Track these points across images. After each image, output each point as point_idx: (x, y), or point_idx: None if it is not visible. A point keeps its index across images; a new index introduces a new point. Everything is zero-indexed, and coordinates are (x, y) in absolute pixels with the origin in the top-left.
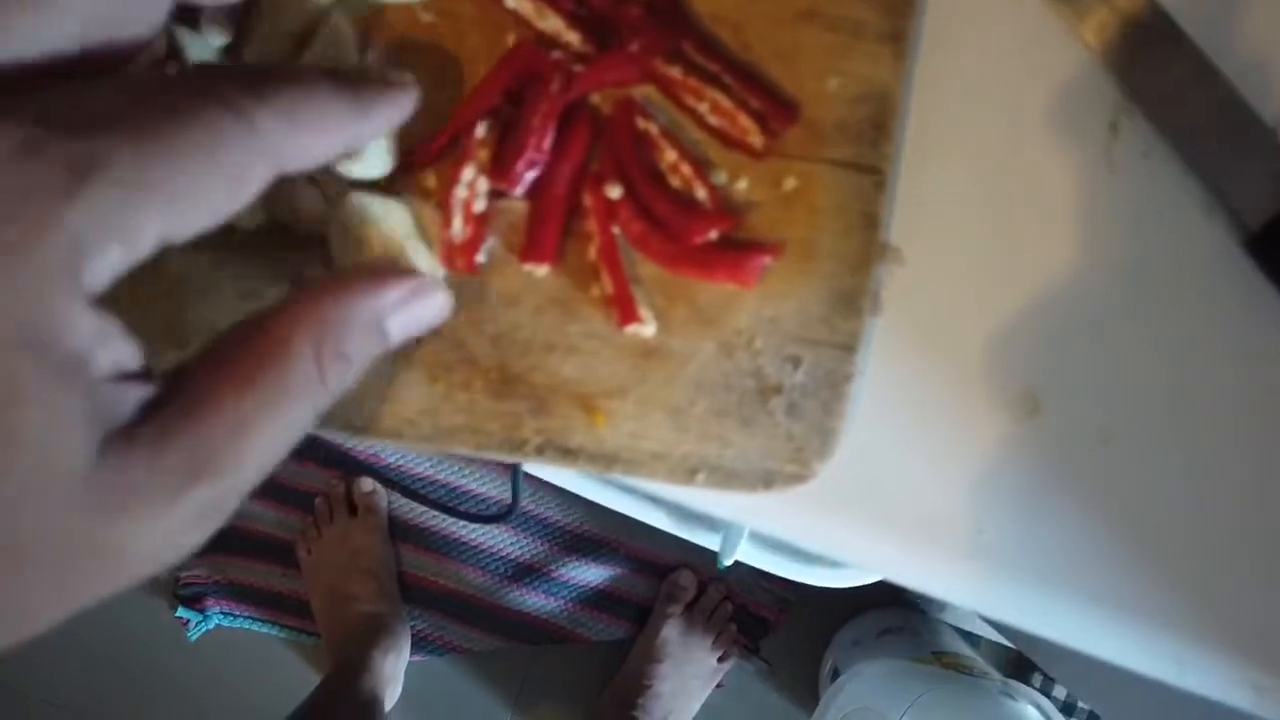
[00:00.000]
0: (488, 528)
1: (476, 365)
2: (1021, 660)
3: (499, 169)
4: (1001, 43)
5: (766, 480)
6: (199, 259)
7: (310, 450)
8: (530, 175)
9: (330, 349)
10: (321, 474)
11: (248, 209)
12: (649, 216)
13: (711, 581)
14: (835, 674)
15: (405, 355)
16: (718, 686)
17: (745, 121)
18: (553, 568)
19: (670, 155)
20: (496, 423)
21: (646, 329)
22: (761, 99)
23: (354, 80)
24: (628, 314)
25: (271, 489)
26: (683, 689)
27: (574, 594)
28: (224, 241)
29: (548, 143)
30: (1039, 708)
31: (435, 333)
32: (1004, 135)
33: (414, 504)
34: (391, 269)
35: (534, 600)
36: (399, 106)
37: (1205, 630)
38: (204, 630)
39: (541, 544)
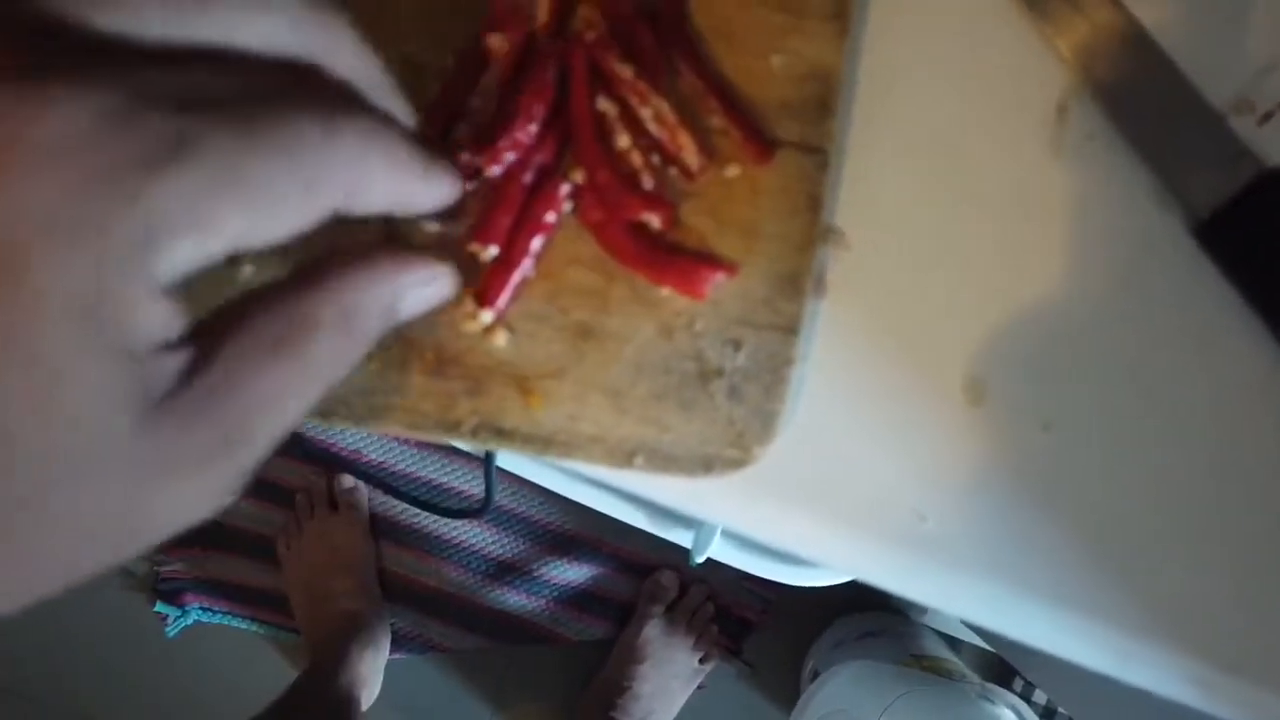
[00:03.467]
0: (469, 525)
1: (413, 345)
2: (1004, 665)
3: (486, 144)
4: (949, 24)
5: (706, 464)
6: None
7: (292, 445)
8: (510, 156)
9: (351, 331)
10: (303, 469)
11: None
12: (603, 198)
13: (694, 582)
14: (816, 676)
15: None
16: (699, 688)
17: (685, 139)
18: (534, 566)
19: (623, 140)
20: (431, 403)
21: (483, 316)
22: (744, 128)
23: (421, 144)
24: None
25: (252, 484)
26: (663, 690)
27: (555, 593)
28: None
29: (533, 129)
30: (1016, 711)
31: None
32: (951, 119)
33: (395, 500)
34: (406, 250)
35: (515, 599)
36: (450, 189)
37: (1150, 624)
38: (183, 626)
39: (523, 542)
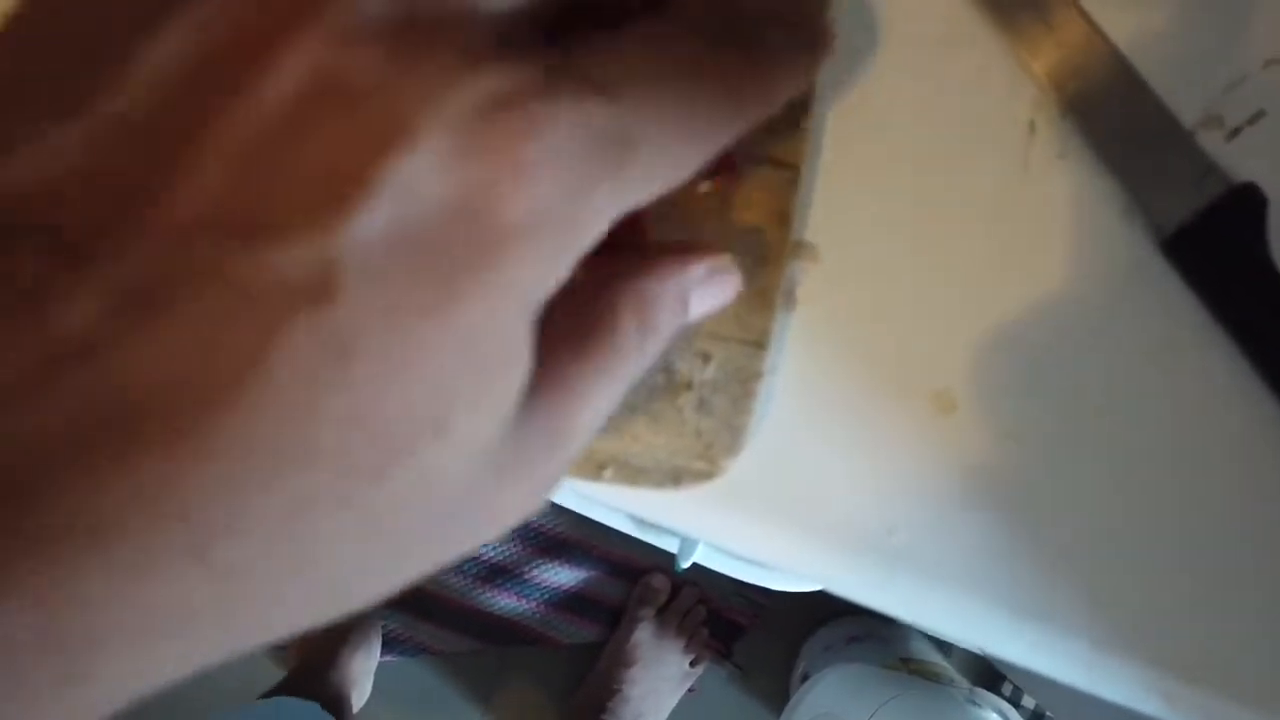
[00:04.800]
0: None
1: None
2: (993, 669)
3: None
4: (920, 41)
5: (674, 477)
6: None
7: None
8: None
9: (649, 321)
10: None
11: None
12: None
13: (684, 585)
14: (807, 679)
15: None
16: (689, 691)
17: None
18: (525, 569)
19: None
20: None
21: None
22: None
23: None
24: None
25: None
26: (653, 692)
27: (546, 595)
28: None
29: None
30: (1003, 715)
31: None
32: (923, 135)
33: None
34: (694, 248)
35: (506, 601)
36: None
37: (1115, 637)
38: None
39: (514, 545)
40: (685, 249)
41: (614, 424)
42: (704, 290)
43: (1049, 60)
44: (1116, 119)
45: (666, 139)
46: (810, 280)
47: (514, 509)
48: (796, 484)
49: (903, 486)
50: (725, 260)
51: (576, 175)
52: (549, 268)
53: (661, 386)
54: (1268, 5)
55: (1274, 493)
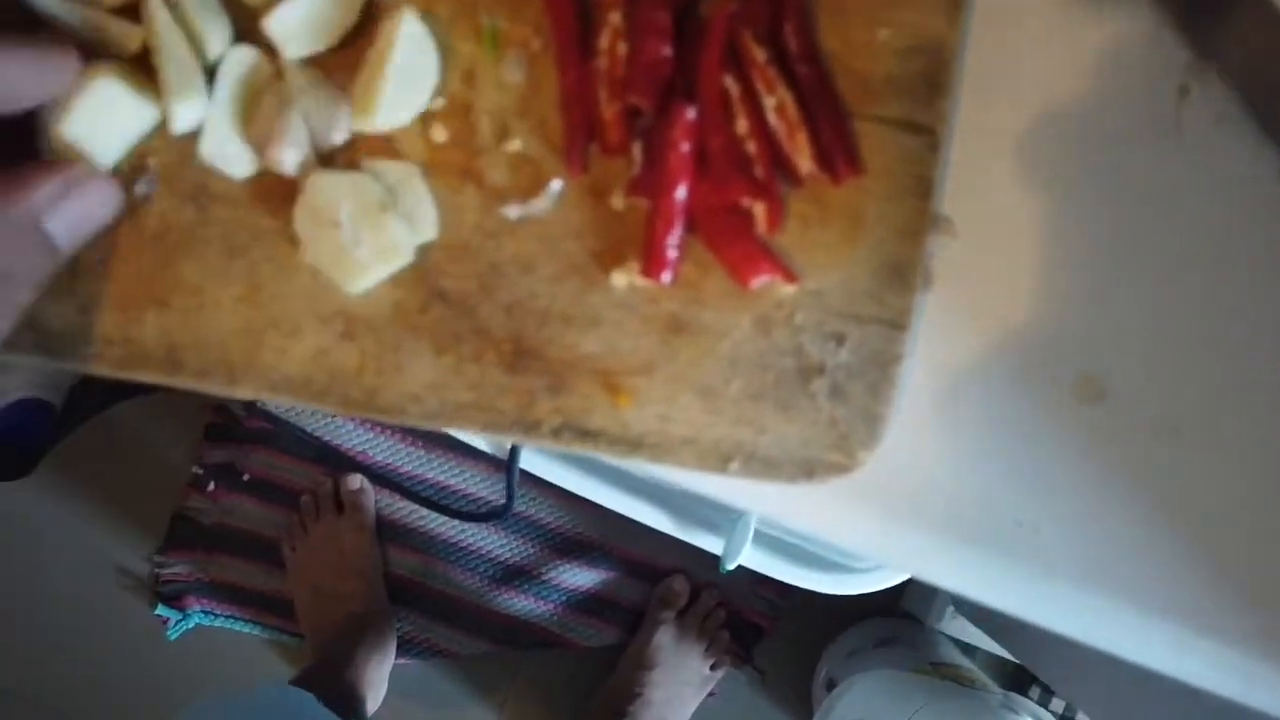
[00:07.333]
0: (476, 529)
1: (488, 336)
2: (1019, 671)
3: (631, 84)
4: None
5: (807, 469)
6: (183, 212)
7: (302, 446)
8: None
9: None
10: (308, 470)
11: (236, 157)
12: (713, 168)
13: (705, 587)
14: (830, 684)
15: (409, 323)
16: (709, 695)
17: (802, 140)
18: (543, 571)
19: (741, 125)
20: (509, 400)
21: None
22: (837, 137)
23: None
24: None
25: (256, 486)
26: (674, 696)
27: (564, 598)
28: (209, 198)
29: (667, 49)
30: None
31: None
32: (1065, 100)
33: (402, 503)
34: (40, 164)
35: (523, 603)
36: (60, 68)
37: (1278, 647)
38: (184, 629)
39: (532, 546)
40: (25, 168)
41: (739, 412)
42: (66, 210)
43: (1205, 20)
44: (1278, 81)
45: None
46: (945, 256)
47: None
48: (918, 475)
49: (1040, 480)
50: (82, 169)
51: None
52: None
53: (791, 371)
54: None
55: None
